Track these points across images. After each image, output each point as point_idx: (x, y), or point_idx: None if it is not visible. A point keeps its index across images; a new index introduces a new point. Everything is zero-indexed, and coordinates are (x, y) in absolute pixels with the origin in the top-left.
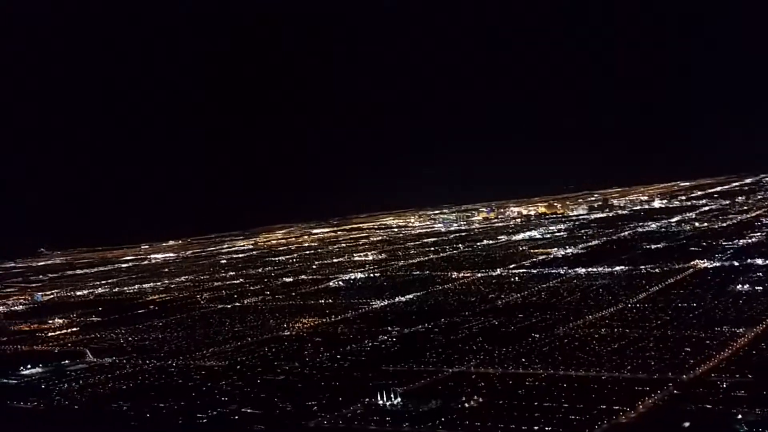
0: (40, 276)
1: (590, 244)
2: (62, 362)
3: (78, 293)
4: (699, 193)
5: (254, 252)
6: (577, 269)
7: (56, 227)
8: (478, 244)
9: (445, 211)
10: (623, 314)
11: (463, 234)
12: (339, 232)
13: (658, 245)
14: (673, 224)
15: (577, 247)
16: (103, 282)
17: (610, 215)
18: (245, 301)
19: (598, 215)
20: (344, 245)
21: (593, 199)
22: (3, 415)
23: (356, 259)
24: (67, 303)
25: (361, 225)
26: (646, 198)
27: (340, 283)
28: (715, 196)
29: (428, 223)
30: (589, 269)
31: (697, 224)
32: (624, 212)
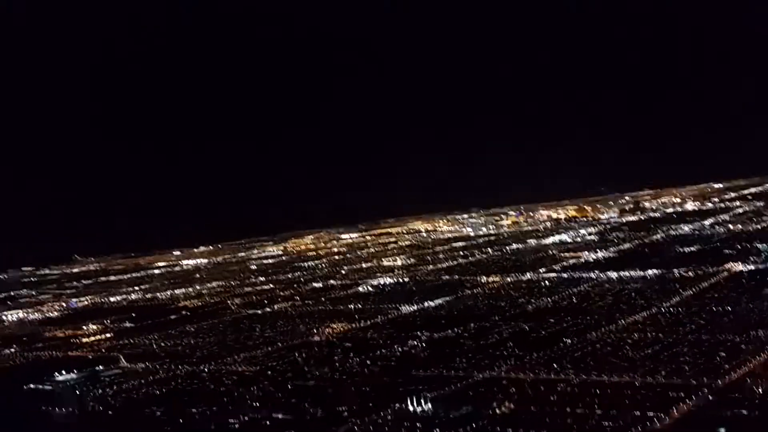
0: (75, 282)
1: (622, 247)
2: (96, 368)
3: (112, 299)
4: (732, 195)
5: (284, 257)
6: (608, 273)
7: (90, 233)
8: (507, 247)
9: (473, 215)
10: (656, 318)
11: (492, 238)
12: (367, 237)
13: (691, 248)
14: (706, 227)
15: (609, 251)
16: (136, 288)
17: (642, 218)
18: (275, 307)
19: (630, 218)
20: (373, 250)
21: (624, 201)
22: (38, 421)
23: (385, 263)
24: (101, 309)
25: (389, 230)
26: (678, 200)
27: (369, 288)
28: (749, 197)
29: (457, 227)
30: (621, 273)
31: (731, 227)
32: (656, 215)
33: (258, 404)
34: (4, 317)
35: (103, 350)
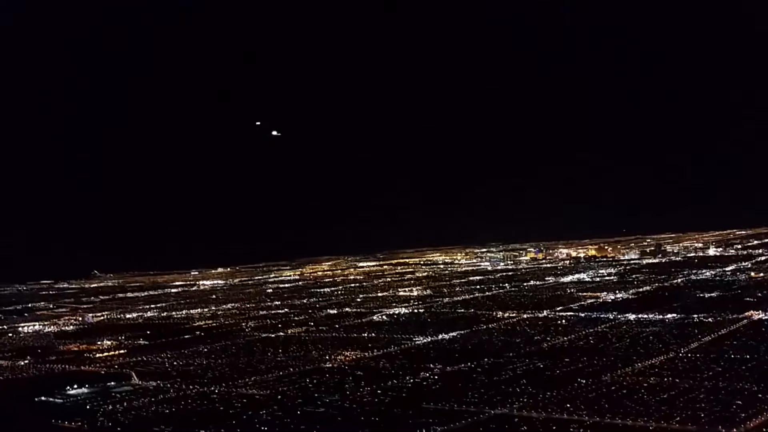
0: (92, 297)
1: (641, 289)
2: (108, 383)
3: (128, 316)
4: (755, 242)
5: (300, 282)
6: (626, 315)
7: (110, 250)
8: (525, 284)
9: (492, 249)
10: (674, 363)
11: (509, 273)
12: (385, 266)
13: (712, 294)
14: (728, 273)
15: (628, 292)
16: (152, 306)
17: (663, 261)
18: (289, 331)
19: (651, 260)
20: (389, 279)
21: (646, 243)
22: None
23: (401, 294)
24: (117, 325)
25: (407, 260)
26: (700, 245)
27: (384, 317)
28: None
29: (475, 260)
30: (640, 315)
31: (753, 274)
32: (677, 258)
33: (266, 428)
34: (20, 329)
35: (116, 366)
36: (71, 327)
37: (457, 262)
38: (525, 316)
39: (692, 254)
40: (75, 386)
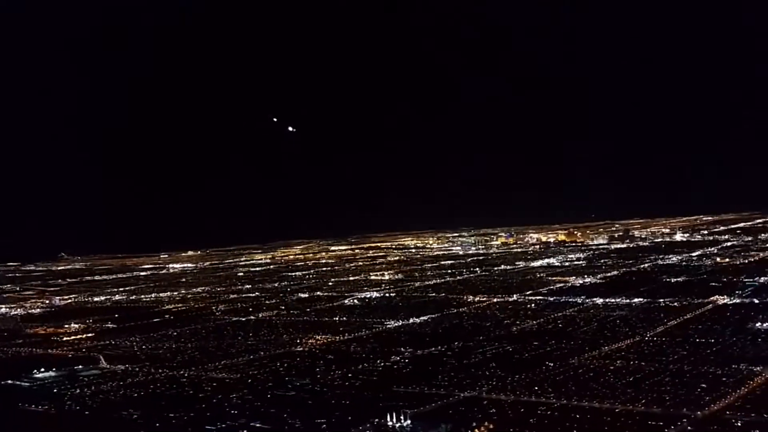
0: (59, 280)
1: (609, 274)
2: (75, 367)
3: (95, 299)
4: (721, 228)
5: (271, 266)
6: (594, 299)
7: (78, 232)
8: (496, 268)
9: (463, 234)
10: (640, 347)
11: (480, 258)
12: (357, 250)
13: (678, 279)
14: (694, 258)
15: (596, 277)
16: (120, 289)
17: (631, 246)
18: (260, 315)
19: (619, 246)
20: (361, 263)
21: (614, 229)
22: (14, 418)
23: (373, 278)
24: (84, 308)
25: (379, 244)
26: (667, 231)
27: (356, 301)
28: (738, 231)
29: (446, 245)
30: (607, 300)
31: (718, 259)
32: (645, 244)
33: (236, 412)
34: None
35: (84, 350)
36: (38, 310)
37: (428, 246)
38: (495, 300)
39: (659, 240)
40: (42, 370)
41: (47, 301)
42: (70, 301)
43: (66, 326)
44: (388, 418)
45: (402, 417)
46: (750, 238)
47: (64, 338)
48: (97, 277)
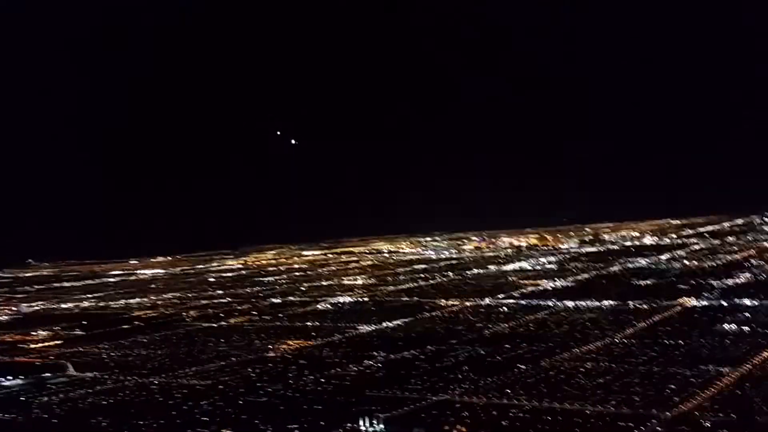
0: (26, 287)
1: (579, 277)
2: (43, 375)
3: (63, 306)
4: (690, 231)
5: (243, 271)
6: (565, 302)
7: (46, 238)
8: (468, 272)
9: (436, 238)
10: (610, 349)
11: (453, 262)
12: (329, 255)
13: (647, 281)
14: (662, 261)
15: (567, 280)
16: (89, 295)
17: (601, 249)
18: (231, 321)
19: (589, 249)
20: (334, 268)
21: (584, 232)
22: None
23: (345, 282)
24: (52, 315)
25: (352, 249)
26: (637, 234)
27: (328, 306)
28: (706, 235)
29: (419, 249)
30: (578, 302)
31: (686, 262)
32: (614, 247)
33: (207, 419)
34: None
35: (51, 357)
36: (4, 317)
37: (401, 250)
38: (468, 303)
39: (629, 243)
40: (9, 378)
41: (14, 309)
42: (37, 308)
43: (33, 333)
44: (361, 423)
45: (375, 421)
46: (717, 242)
47: (32, 346)
48: (65, 284)
